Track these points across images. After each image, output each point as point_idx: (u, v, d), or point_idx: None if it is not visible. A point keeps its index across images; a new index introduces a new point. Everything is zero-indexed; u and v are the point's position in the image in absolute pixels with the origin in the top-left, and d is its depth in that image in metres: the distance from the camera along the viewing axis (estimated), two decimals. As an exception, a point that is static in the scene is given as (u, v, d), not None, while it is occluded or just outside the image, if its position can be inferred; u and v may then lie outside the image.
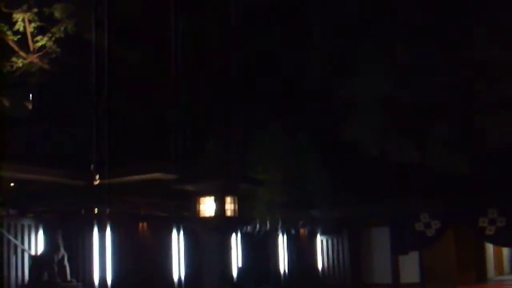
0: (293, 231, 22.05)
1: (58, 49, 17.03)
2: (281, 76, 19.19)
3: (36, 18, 16.55)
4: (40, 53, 17.08)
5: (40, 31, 16.78)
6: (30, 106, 15.70)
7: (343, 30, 18.04)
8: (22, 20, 16.40)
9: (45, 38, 16.93)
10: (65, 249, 14.89)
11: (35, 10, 16.04)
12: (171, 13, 17.56)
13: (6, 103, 15.07)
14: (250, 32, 18.96)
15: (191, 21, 18.26)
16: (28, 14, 16.19)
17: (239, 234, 19.68)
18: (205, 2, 19.03)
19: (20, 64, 17.08)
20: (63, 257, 14.68)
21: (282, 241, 21.93)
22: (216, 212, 13.93)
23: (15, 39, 16.83)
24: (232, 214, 14.12)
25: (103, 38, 16.41)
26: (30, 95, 16.60)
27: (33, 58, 17.30)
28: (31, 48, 17.03)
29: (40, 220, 15.30)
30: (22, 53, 17.07)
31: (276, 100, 19.05)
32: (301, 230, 22.99)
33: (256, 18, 18.90)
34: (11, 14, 16.30)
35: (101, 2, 16.35)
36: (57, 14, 16.57)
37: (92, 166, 16.43)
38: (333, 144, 19.78)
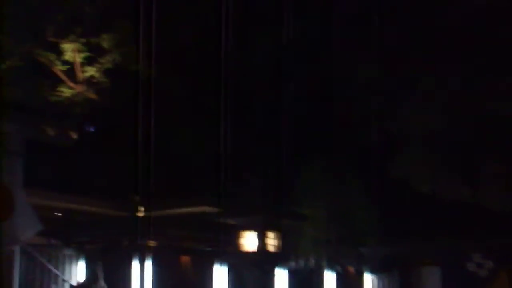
0: (340, 269, 21.59)
1: (106, 80, 17.21)
2: (329, 108, 18.98)
3: (85, 48, 16.76)
4: (88, 84, 17.33)
5: (88, 60, 17.00)
6: (75, 136, 15.72)
7: (392, 61, 17.81)
8: (71, 50, 16.65)
9: (94, 69, 17.12)
10: (105, 280, 14.86)
11: (83, 40, 16.23)
12: (221, 44, 17.61)
13: (51, 132, 15.14)
14: (296, 65, 18.79)
15: (240, 54, 18.25)
16: (76, 44, 16.36)
17: (283, 271, 19.40)
18: (253, 34, 19.00)
19: (68, 94, 17.38)
20: (102, 290, 14.69)
21: (329, 279, 21.50)
22: (257, 247, 13.73)
23: (64, 69, 17.07)
24: (274, 250, 13.89)
25: (150, 68, 16.46)
26: (77, 125, 16.68)
27: (82, 88, 17.47)
28: (79, 78, 17.23)
29: (82, 250, 15.33)
30: (70, 83, 17.28)
31: (324, 134, 18.81)
32: (349, 268, 22.51)
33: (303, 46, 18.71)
34: (57, 43, 16.50)
35: (148, 32, 16.39)
36: (104, 44, 16.79)
37: (136, 197, 16.43)
38: (382, 180, 19.42)
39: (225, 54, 17.25)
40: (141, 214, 16.16)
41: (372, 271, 23.31)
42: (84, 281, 14.72)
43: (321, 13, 18.99)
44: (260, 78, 18.67)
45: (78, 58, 17.00)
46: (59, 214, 15.65)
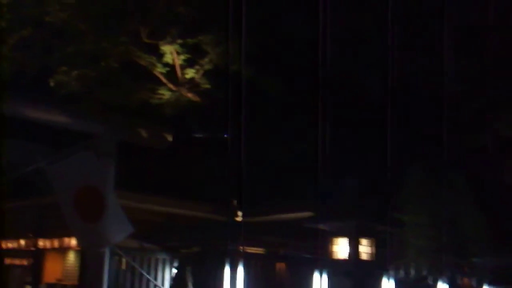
0: (447, 280, 20.17)
1: (206, 81, 17.04)
2: (429, 108, 17.93)
3: (184, 50, 16.65)
4: (189, 86, 17.22)
5: (187, 62, 16.88)
6: (170, 138, 15.63)
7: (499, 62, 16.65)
8: (170, 52, 16.58)
9: (193, 70, 16.99)
10: (194, 286, 14.61)
11: (179, 41, 16.11)
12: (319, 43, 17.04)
13: (145, 134, 15.11)
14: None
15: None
16: (175, 45, 16.27)
17: (383, 280, 18.42)
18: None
19: (168, 97, 17.33)
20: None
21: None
22: (349, 254, 13.07)
23: (164, 71, 17.03)
24: (368, 258, 13.18)
25: (247, 69, 16.12)
26: (174, 127, 16.62)
27: (183, 90, 17.39)
28: (179, 81, 17.14)
29: (175, 255, 15.16)
30: (170, 86, 17.22)
31: (429, 135, 17.77)
32: (458, 279, 21.01)
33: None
34: (154, 45, 16.44)
35: (243, 31, 16.05)
36: (203, 45, 16.59)
37: (235, 202, 16.15)
38: (492, 185, 18.11)
39: (324, 54, 16.77)
40: (239, 219, 15.89)
41: (486, 284, 21.81)
42: (173, 286, 14.59)
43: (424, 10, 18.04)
44: (361, 77, 17.94)
45: (178, 60, 17.01)
46: (153, 217, 15.60)
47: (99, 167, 14.43)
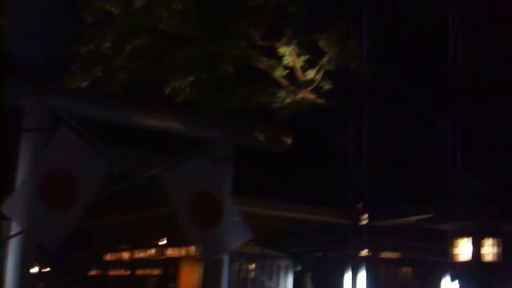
0: None
1: (328, 82, 16.56)
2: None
3: (303, 51, 16.26)
4: (311, 87, 16.82)
5: (306, 63, 16.47)
6: (289, 141, 15.20)
7: None
8: (289, 54, 16.23)
9: (313, 71, 16.55)
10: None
11: (295, 41, 15.71)
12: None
13: (262, 138, 14.76)
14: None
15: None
16: (293, 46, 15.91)
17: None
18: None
19: (290, 100, 16.97)
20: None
21: None
22: (472, 256, 12.13)
23: (284, 74, 16.69)
24: (493, 259, 12.17)
25: (368, 67, 15.50)
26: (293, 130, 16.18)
27: (305, 92, 16.98)
28: (300, 82, 16.76)
29: (297, 260, 14.72)
30: (291, 88, 16.86)
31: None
32: None
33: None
34: (268, 48, 16.13)
35: (362, 28, 15.43)
36: (322, 44, 16.13)
37: (359, 205, 15.55)
38: None
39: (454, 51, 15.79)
40: (363, 223, 15.27)
41: None
42: None
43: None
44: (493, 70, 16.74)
45: (298, 62, 16.64)
46: (273, 222, 15.26)
47: (215, 173, 14.26)
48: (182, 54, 15.36)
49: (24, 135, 12.84)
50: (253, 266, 14.55)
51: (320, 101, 16.95)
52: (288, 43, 15.59)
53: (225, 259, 14.37)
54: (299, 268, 14.35)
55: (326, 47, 15.92)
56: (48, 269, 31.40)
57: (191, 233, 14.14)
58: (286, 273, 14.52)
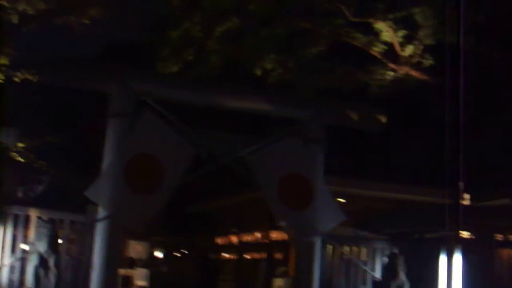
0: None
1: (428, 57, 15.73)
2: None
3: (400, 26, 15.54)
4: (412, 63, 16.04)
5: (404, 39, 15.71)
6: (384, 119, 14.59)
7: None
8: (386, 30, 15.55)
9: (411, 46, 15.79)
10: (410, 274, 13.40)
11: (390, 16, 15.00)
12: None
13: (355, 117, 14.26)
14: None
15: None
16: (388, 22, 15.23)
17: None
18: None
19: (390, 77, 16.29)
20: (402, 285, 13.25)
21: None
22: None
23: (382, 50, 16.01)
24: None
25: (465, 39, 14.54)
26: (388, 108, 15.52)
27: (405, 69, 16.25)
28: (400, 59, 16.04)
29: (393, 243, 14.08)
30: (391, 65, 16.18)
31: None
32: None
33: None
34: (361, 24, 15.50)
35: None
36: (418, 18, 15.34)
37: (460, 184, 14.66)
38: None
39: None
40: (466, 203, 14.39)
41: None
42: (384, 275, 13.51)
43: None
44: None
45: (396, 37, 15.93)
46: (369, 203, 14.64)
47: (306, 153, 13.94)
48: (266, 33, 15.06)
49: (109, 120, 13.15)
50: (346, 249, 14.12)
51: (424, 77, 16.20)
52: (383, 18, 14.98)
53: (317, 241, 14.10)
54: (394, 251, 13.72)
55: (422, 21, 15.16)
56: (170, 253, 32.14)
57: (281, 215, 13.96)
58: (382, 256, 13.95)
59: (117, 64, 13.86)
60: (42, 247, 11.48)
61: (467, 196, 14.62)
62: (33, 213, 12.44)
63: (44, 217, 12.53)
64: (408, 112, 17.74)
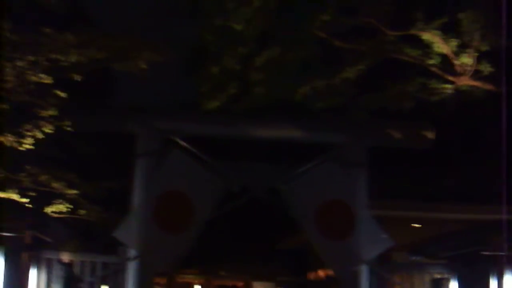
0: None
1: (485, 63, 14.58)
2: None
3: (450, 35, 14.52)
4: (470, 73, 14.87)
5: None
6: (431, 136, 13.60)
7: None
8: (435, 40, 14.57)
9: (466, 55, 14.70)
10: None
11: (436, 24, 13.99)
12: None
13: (398, 136, 13.39)
14: None
15: None
16: (434, 31, 14.25)
17: None
18: None
19: (450, 90, 15.22)
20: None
21: None
22: None
23: (437, 62, 15.01)
24: None
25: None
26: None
27: (464, 79, 15.14)
28: (457, 70, 14.96)
29: (449, 266, 13.00)
30: (449, 77, 15.12)
31: None
32: None
33: None
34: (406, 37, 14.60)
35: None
36: (465, 23, 14.25)
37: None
38: None
39: None
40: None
41: None
42: None
43: None
44: None
45: (449, 47, 14.88)
46: (423, 225, 13.63)
47: (345, 178, 13.31)
48: (296, 57, 14.56)
49: (138, 160, 13.22)
50: (399, 277, 13.23)
51: (488, 86, 15.05)
52: (425, 29, 14.08)
53: (364, 271, 13.30)
54: (440, 276, 12.68)
55: (471, 26, 14.12)
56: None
57: (320, 246, 13.37)
58: (439, 284, 12.94)
59: (142, 106, 14.02)
60: (58, 289, 11.82)
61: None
62: (66, 257, 12.81)
63: (76, 260, 12.86)
64: (471, 127, 16.59)
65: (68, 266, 12.27)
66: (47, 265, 12.56)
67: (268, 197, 13.02)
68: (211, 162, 12.87)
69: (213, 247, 34.43)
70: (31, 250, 12.38)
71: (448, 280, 12.83)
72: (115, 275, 12.70)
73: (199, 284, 41.87)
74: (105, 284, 12.86)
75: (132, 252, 12.43)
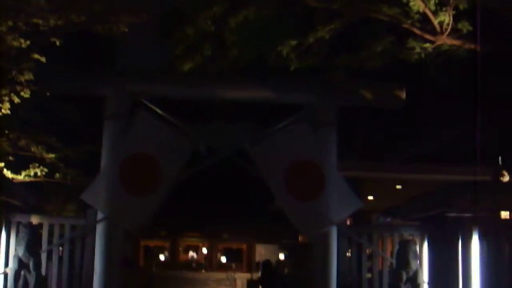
0: None
1: (466, 23, 14.29)
2: None
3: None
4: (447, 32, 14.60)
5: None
6: (403, 96, 13.35)
7: None
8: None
9: (445, 13, 14.39)
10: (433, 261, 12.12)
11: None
12: None
13: (369, 96, 13.16)
14: None
15: None
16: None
17: None
18: None
19: (429, 49, 14.94)
20: (415, 274, 11.97)
21: None
22: None
23: (416, 21, 14.71)
24: None
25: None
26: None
27: (443, 39, 14.85)
28: (436, 29, 14.66)
29: (422, 228, 12.78)
30: (427, 36, 14.84)
31: None
32: None
33: None
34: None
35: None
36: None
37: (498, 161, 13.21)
38: None
39: None
40: (505, 179, 12.94)
41: None
42: (396, 264, 12.26)
43: None
44: None
45: (427, 6, 14.58)
46: (393, 186, 13.44)
47: (316, 139, 13.15)
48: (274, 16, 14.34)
49: (105, 123, 13.16)
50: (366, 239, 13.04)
51: (468, 45, 14.77)
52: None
53: (333, 233, 13.12)
54: (405, 238, 12.46)
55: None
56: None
57: (288, 207, 13.24)
58: (409, 245, 12.68)
59: (111, 67, 13.94)
60: (20, 251, 11.85)
61: (505, 173, 13.31)
62: (35, 220, 12.83)
63: (45, 223, 12.90)
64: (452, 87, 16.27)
65: (32, 228, 12.36)
66: (17, 229, 12.74)
67: (236, 158, 12.96)
68: (179, 124, 12.81)
69: (215, 210, 34.84)
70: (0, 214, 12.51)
71: (418, 241, 12.74)
72: (83, 237, 12.83)
73: (203, 247, 42.42)
74: (73, 246, 12.97)
75: (100, 215, 12.52)
